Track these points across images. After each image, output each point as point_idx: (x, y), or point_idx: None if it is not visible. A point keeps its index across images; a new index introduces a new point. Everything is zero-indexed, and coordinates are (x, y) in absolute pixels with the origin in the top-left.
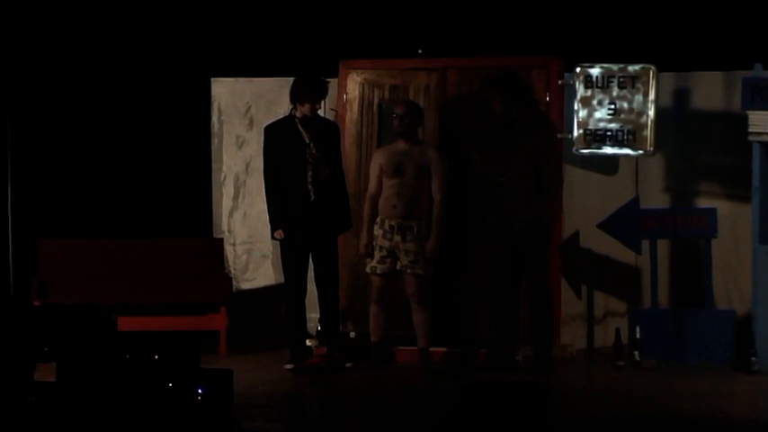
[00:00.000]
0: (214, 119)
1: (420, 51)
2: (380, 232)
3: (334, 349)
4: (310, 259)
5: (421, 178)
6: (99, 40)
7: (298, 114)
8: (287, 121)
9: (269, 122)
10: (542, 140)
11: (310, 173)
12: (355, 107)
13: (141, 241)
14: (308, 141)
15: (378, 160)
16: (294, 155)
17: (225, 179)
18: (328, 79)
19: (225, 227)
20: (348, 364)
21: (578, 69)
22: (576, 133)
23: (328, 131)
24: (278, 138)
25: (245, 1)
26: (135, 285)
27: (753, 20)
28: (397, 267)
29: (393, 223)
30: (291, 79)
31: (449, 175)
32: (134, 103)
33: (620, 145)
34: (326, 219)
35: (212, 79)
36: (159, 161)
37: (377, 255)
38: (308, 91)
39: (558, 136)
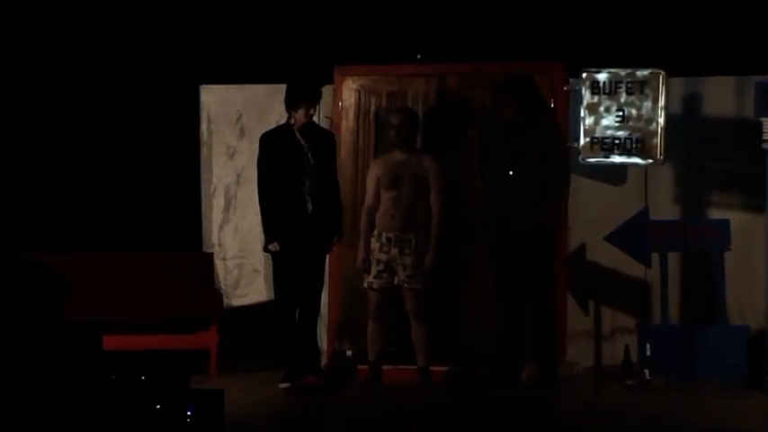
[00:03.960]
0: (203, 128)
1: (419, 57)
2: (377, 245)
3: (310, 367)
4: None
5: (419, 189)
6: (83, 48)
7: (294, 122)
8: (284, 130)
9: (265, 131)
10: (551, 147)
11: (308, 182)
12: (351, 115)
13: (127, 255)
14: (306, 151)
15: (374, 172)
16: (292, 164)
17: (215, 191)
18: (323, 86)
19: (215, 240)
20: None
21: (584, 75)
22: (582, 141)
23: (325, 140)
24: (275, 147)
25: (236, 5)
26: (121, 302)
27: (765, 23)
28: (395, 282)
29: (390, 236)
30: (284, 86)
31: (447, 184)
32: (120, 111)
33: (629, 153)
34: (322, 230)
35: (201, 86)
36: (146, 172)
37: (373, 269)
38: (299, 95)
39: (566, 143)
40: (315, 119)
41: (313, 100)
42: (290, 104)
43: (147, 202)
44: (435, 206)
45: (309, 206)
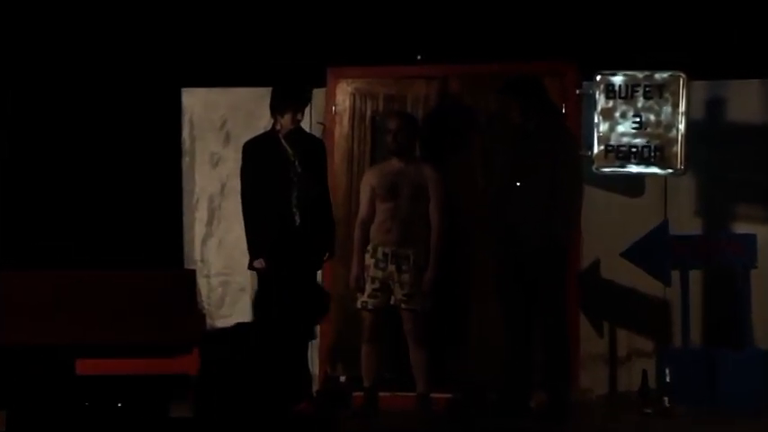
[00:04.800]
0: (185, 134)
1: (419, 57)
2: (372, 261)
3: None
4: None
5: (417, 200)
6: (52, 48)
7: (280, 129)
8: (268, 137)
9: (248, 138)
10: (561, 155)
11: (295, 194)
12: (345, 120)
13: (103, 273)
14: (292, 159)
15: (369, 182)
16: (277, 174)
17: (197, 202)
18: (315, 89)
19: (197, 256)
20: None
21: (598, 77)
22: (596, 150)
23: (314, 148)
24: (259, 155)
25: (220, 1)
26: (95, 323)
27: None
28: (392, 302)
29: (387, 251)
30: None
31: (448, 195)
32: (94, 116)
33: (647, 163)
34: (312, 246)
35: (183, 89)
36: (123, 182)
37: (368, 288)
38: (285, 98)
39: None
40: (306, 124)
41: (300, 104)
42: (276, 109)
43: (124, 215)
44: (435, 219)
45: (297, 219)
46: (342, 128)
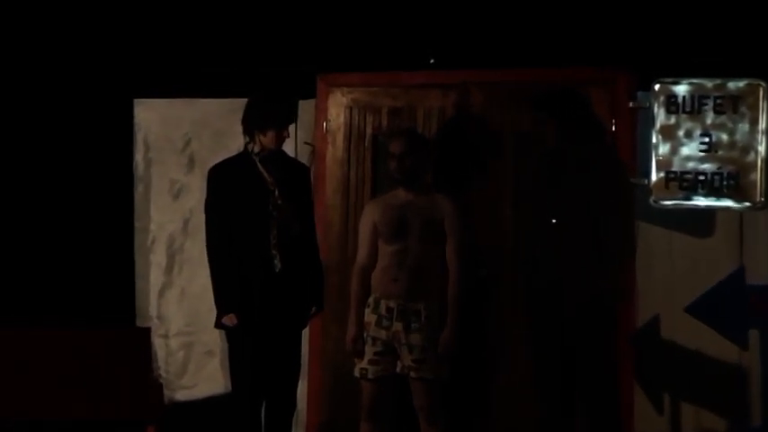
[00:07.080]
0: (138, 157)
1: (432, 61)
2: (374, 318)
3: None
4: None
5: (431, 240)
6: None
7: (256, 150)
8: (241, 161)
9: (216, 162)
10: (609, 185)
11: (275, 231)
12: (340, 140)
13: (35, 333)
14: (271, 188)
15: (370, 217)
16: (252, 206)
17: (153, 243)
18: (302, 100)
19: (153, 311)
20: None
21: (657, 87)
22: (653, 177)
23: (297, 175)
24: (229, 183)
25: None
26: (28, 396)
27: None
28: (398, 369)
29: (392, 305)
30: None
31: (470, 235)
32: (23, 132)
33: (718, 194)
34: (295, 296)
35: (135, 100)
36: (59, 219)
37: (369, 351)
38: (263, 113)
39: (631, 180)
40: (289, 146)
41: (282, 120)
42: (251, 126)
43: (60, 259)
44: (453, 265)
45: (277, 264)
46: (335, 150)
